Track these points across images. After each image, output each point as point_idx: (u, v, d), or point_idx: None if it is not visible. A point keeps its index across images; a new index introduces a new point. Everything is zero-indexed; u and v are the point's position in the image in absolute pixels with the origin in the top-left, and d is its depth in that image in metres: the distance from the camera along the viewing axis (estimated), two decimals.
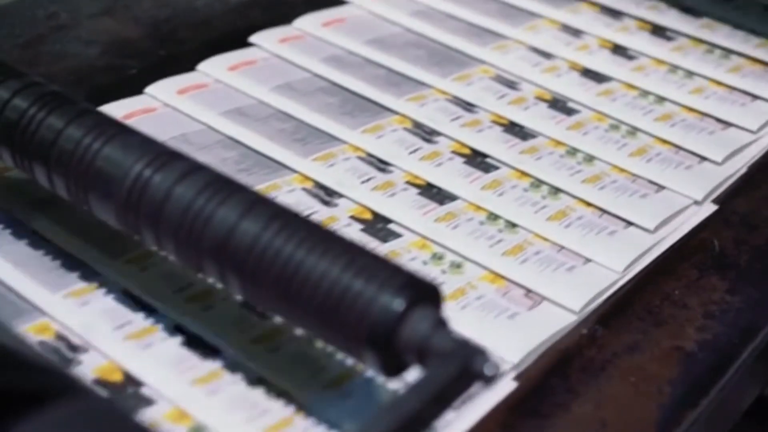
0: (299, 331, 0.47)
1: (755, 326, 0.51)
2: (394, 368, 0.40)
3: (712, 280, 0.54)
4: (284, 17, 0.73)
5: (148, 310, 0.48)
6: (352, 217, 0.55)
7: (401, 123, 0.63)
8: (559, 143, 0.62)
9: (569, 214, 0.56)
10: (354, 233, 0.54)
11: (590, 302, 0.51)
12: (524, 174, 0.59)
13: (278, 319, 0.47)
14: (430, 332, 0.39)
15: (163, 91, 0.63)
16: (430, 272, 0.52)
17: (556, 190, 0.58)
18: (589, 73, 0.70)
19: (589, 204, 0.57)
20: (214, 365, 0.45)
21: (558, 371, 0.48)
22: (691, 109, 0.67)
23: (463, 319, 0.48)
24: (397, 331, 0.39)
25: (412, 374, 0.40)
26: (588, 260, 0.53)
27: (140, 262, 0.50)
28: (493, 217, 0.56)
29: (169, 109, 0.62)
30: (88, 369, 0.45)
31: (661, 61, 0.71)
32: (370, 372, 0.45)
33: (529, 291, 0.51)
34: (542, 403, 0.46)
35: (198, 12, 0.75)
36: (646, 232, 0.56)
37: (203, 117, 0.61)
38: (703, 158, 0.62)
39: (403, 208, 0.56)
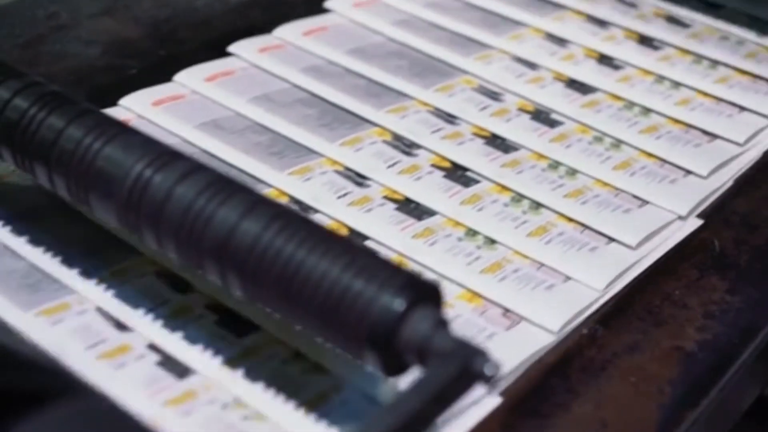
0: (275, 350, 0.46)
1: (755, 326, 0.52)
2: (394, 368, 0.40)
3: (713, 280, 0.54)
4: (284, 17, 0.73)
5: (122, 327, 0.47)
6: None
7: (381, 135, 0.62)
8: (541, 156, 0.61)
9: (550, 230, 0.55)
10: None
11: (570, 322, 0.50)
12: (505, 188, 0.58)
13: (255, 339, 0.47)
14: (431, 332, 0.39)
15: (137, 102, 0.62)
16: None
17: (537, 205, 0.57)
18: (574, 84, 0.68)
19: (570, 219, 0.56)
20: (189, 385, 0.44)
21: (558, 371, 0.48)
22: (677, 121, 0.66)
23: None
24: (397, 331, 0.39)
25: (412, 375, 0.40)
26: (568, 278, 0.52)
27: (120, 277, 0.49)
28: (472, 233, 0.55)
29: (143, 121, 0.61)
30: None
31: (647, 71, 0.70)
32: (346, 392, 0.45)
33: (507, 310, 0.50)
34: (542, 403, 0.46)
35: (198, 12, 0.75)
36: (628, 249, 0.55)
37: (177, 130, 0.60)
38: (689, 172, 0.61)
39: (380, 224, 0.55)
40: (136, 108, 0.62)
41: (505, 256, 0.53)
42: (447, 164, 0.60)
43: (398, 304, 0.39)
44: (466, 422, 0.44)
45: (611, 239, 0.55)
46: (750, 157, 0.64)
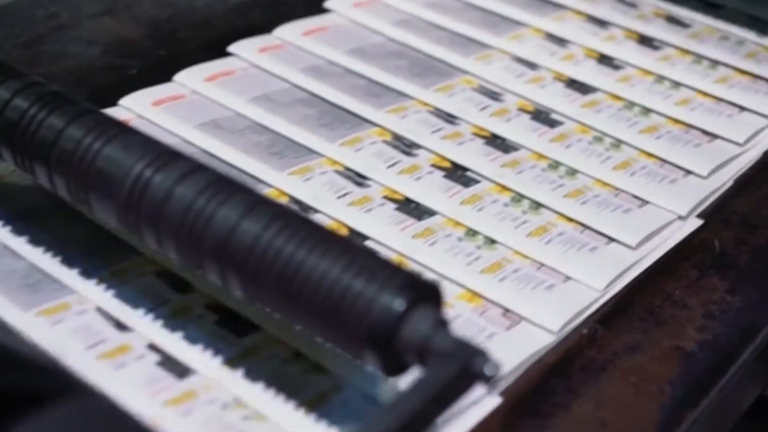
0: (275, 350, 0.46)
1: (755, 326, 0.52)
2: (394, 368, 0.40)
3: (713, 280, 0.54)
4: (284, 17, 0.73)
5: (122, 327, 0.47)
6: None
7: (381, 135, 0.62)
8: (541, 156, 0.61)
9: (550, 230, 0.55)
10: None
11: (570, 322, 0.50)
12: (505, 188, 0.58)
13: (255, 339, 0.47)
14: (431, 332, 0.39)
15: (137, 102, 0.62)
16: None
17: (537, 205, 0.57)
18: (574, 84, 0.68)
19: (570, 219, 0.56)
20: (189, 385, 0.44)
21: (558, 371, 0.48)
22: (677, 121, 0.66)
23: None
24: (397, 331, 0.39)
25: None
26: (568, 278, 0.52)
27: (120, 277, 0.49)
28: (472, 233, 0.55)
29: (143, 121, 0.61)
30: None
31: (647, 71, 0.70)
32: (346, 392, 0.45)
33: (507, 310, 0.50)
34: (542, 403, 0.46)
35: (198, 12, 0.75)
36: (628, 249, 0.55)
37: (177, 130, 0.60)
38: (689, 172, 0.61)
39: (380, 224, 0.55)
40: (136, 108, 0.62)
41: (505, 256, 0.53)
42: (447, 164, 0.60)
43: (398, 304, 0.39)
44: (466, 422, 0.44)
45: (611, 239, 0.55)
46: (750, 157, 0.64)
